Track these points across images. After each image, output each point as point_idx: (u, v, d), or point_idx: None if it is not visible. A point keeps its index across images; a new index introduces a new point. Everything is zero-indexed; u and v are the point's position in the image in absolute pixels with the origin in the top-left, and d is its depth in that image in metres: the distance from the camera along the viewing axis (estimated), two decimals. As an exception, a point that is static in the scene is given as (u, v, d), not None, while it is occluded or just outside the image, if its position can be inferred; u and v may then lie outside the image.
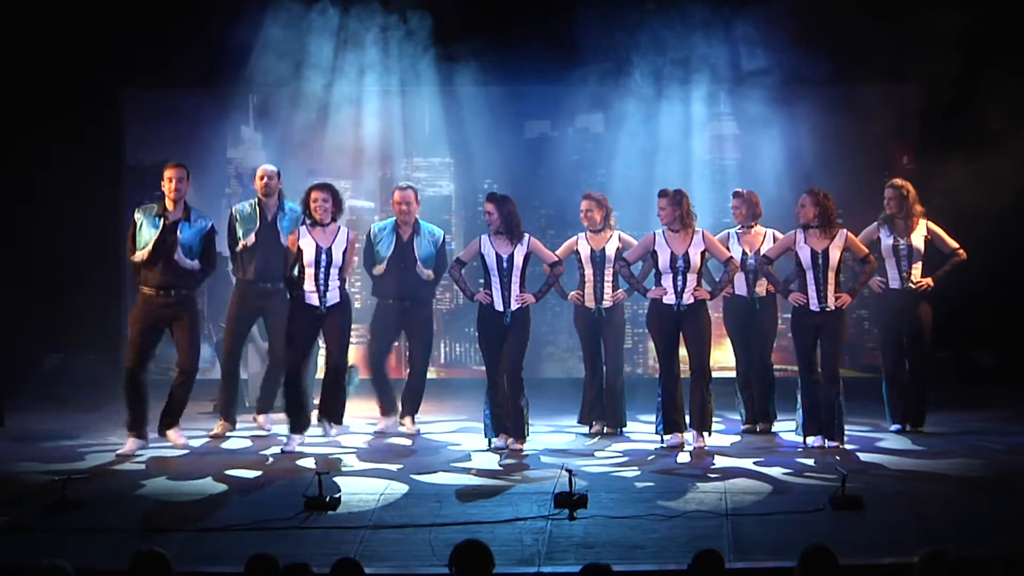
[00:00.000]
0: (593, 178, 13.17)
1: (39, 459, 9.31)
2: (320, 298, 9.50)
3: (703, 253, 9.65)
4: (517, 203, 9.86)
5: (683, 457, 9.39)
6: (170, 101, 13.40)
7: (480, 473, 8.90)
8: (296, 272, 9.56)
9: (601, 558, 6.57)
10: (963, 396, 11.78)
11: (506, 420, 9.67)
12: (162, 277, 9.47)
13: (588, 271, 10.18)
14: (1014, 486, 8.35)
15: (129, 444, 9.47)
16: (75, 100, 12.91)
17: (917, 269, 10.18)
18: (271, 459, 9.43)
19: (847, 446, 9.56)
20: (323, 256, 9.48)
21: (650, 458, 9.38)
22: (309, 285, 9.51)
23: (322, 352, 10.01)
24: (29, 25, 12.59)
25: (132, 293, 10.30)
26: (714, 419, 9.83)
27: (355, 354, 11.40)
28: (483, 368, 10.00)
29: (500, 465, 9.18)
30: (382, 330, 10.53)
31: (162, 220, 9.50)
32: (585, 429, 10.29)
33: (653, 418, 9.82)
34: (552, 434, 10.31)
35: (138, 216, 9.61)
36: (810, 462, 9.11)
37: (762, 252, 10.01)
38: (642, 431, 10.26)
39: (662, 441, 9.71)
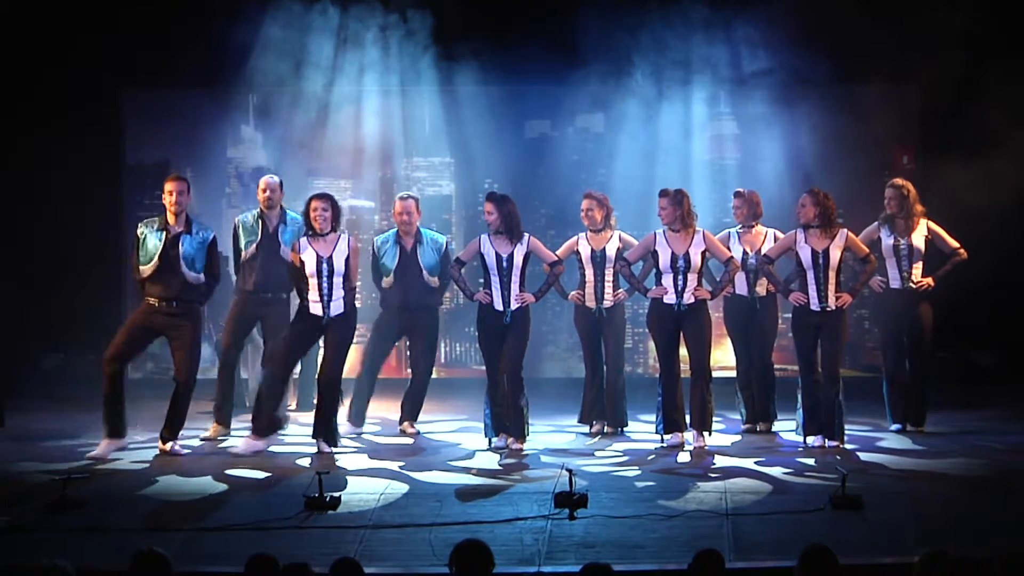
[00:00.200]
0: (593, 178, 13.17)
1: (39, 459, 9.31)
2: (324, 308, 9.49)
3: (704, 253, 9.65)
4: (517, 203, 9.86)
5: (683, 457, 9.39)
6: (170, 101, 13.40)
7: (480, 473, 8.90)
8: (301, 283, 9.54)
9: (601, 558, 6.56)
10: (963, 396, 11.78)
11: (506, 420, 9.67)
12: (166, 290, 9.47)
13: (588, 271, 10.18)
14: (1014, 486, 8.34)
15: (103, 445, 9.41)
16: (75, 100, 12.91)
17: (918, 269, 10.18)
18: (271, 458, 9.44)
19: (847, 446, 9.56)
20: (324, 265, 9.47)
21: (650, 458, 9.38)
22: (313, 295, 9.50)
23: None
24: (29, 25, 12.59)
25: (132, 293, 10.32)
26: (714, 419, 9.83)
27: (356, 356, 11.38)
28: (483, 368, 10.00)
29: (500, 465, 9.18)
30: (383, 336, 10.52)
31: (164, 233, 9.50)
32: (585, 429, 10.29)
33: (653, 418, 9.82)
34: (552, 434, 10.31)
35: (141, 230, 9.61)
36: (810, 462, 9.11)
37: (763, 252, 10.01)
38: (642, 431, 10.26)
39: (662, 441, 9.71)
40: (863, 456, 9.31)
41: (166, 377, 9.77)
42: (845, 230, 9.68)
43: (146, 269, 9.49)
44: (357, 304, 9.99)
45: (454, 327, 13.37)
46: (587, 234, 10.21)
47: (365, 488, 8.36)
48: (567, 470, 7.90)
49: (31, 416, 11.11)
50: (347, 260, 9.51)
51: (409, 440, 10.18)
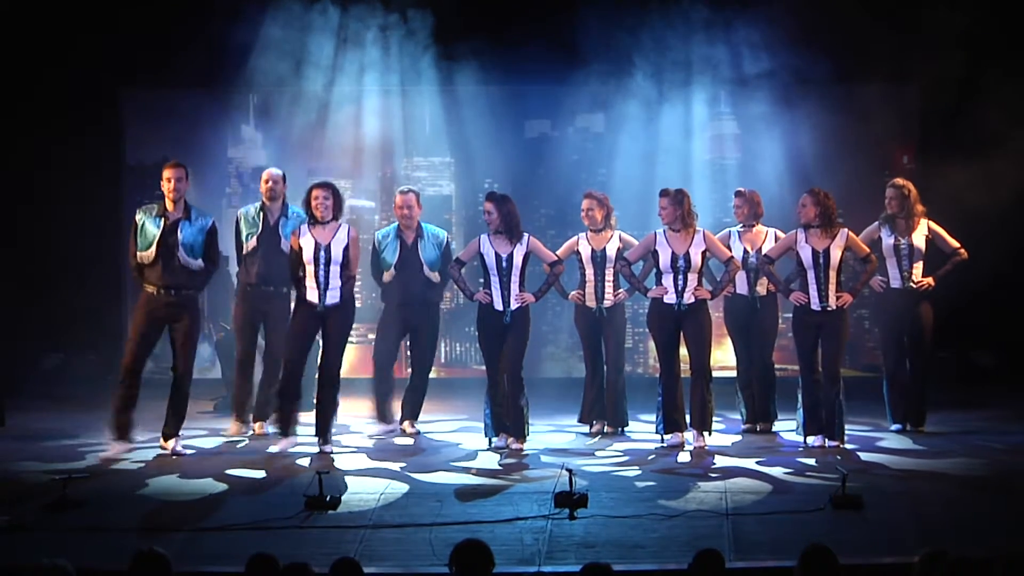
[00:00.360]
0: (593, 178, 13.18)
1: (39, 459, 9.30)
2: (320, 295, 9.48)
3: (704, 253, 9.65)
4: (517, 203, 9.86)
5: (683, 456, 9.39)
6: (170, 101, 13.41)
7: (480, 473, 8.89)
8: (299, 270, 9.54)
9: (601, 558, 6.56)
10: (963, 396, 11.78)
11: (506, 419, 9.67)
12: (165, 277, 9.46)
13: (589, 271, 10.18)
14: (1014, 486, 8.34)
15: (115, 448, 9.43)
16: (75, 100, 12.92)
17: (918, 269, 10.18)
18: (271, 458, 9.44)
19: (847, 446, 9.56)
20: (322, 253, 9.47)
21: (650, 457, 9.38)
22: (309, 282, 9.49)
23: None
24: (29, 25, 12.59)
25: (132, 293, 10.32)
26: (714, 419, 9.82)
27: (357, 355, 11.42)
28: (483, 368, 10.00)
29: (500, 465, 9.18)
30: (388, 335, 10.49)
31: (163, 220, 9.50)
32: (585, 428, 10.29)
33: (653, 418, 9.82)
34: (552, 434, 10.31)
35: (139, 217, 9.60)
36: (810, 462, 9.10)
37: (763, 251, 10.01)
38: (642, 430, 10.26)
39: (662, 440, 9.71)
40: (863, 456, 9.31)
41: (166, 377, 9.76)
42: (846, 230, 9.68)
43: (144, 256, 9.47)
44: (358, 304, 9.99)
45: (454, 327, 13.37)
46: (587, 234, 10.21)
47: (365, 488, 8.35)
48: (567, 470, 7.89)
49: (31, 416, 11.11)
50: (346, 249, 9.50)
51: (409, 440, 10.18)
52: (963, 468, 8.90)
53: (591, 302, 10.19)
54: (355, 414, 10.71)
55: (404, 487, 8.40)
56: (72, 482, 7.95)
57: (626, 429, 10.30)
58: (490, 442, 9.75)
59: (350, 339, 9.89)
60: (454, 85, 13.10)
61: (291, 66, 12.61)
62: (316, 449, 9.53)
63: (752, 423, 10.36)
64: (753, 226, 10.42)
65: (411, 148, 13.64)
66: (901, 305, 10.18)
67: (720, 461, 9.19)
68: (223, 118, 13.51)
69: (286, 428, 9.64)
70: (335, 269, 9.48)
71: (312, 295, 9.48)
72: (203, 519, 7.72)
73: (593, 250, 10.16)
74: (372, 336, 11.22)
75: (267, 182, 10.37)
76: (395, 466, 9.10)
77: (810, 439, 9.63)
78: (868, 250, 9.79)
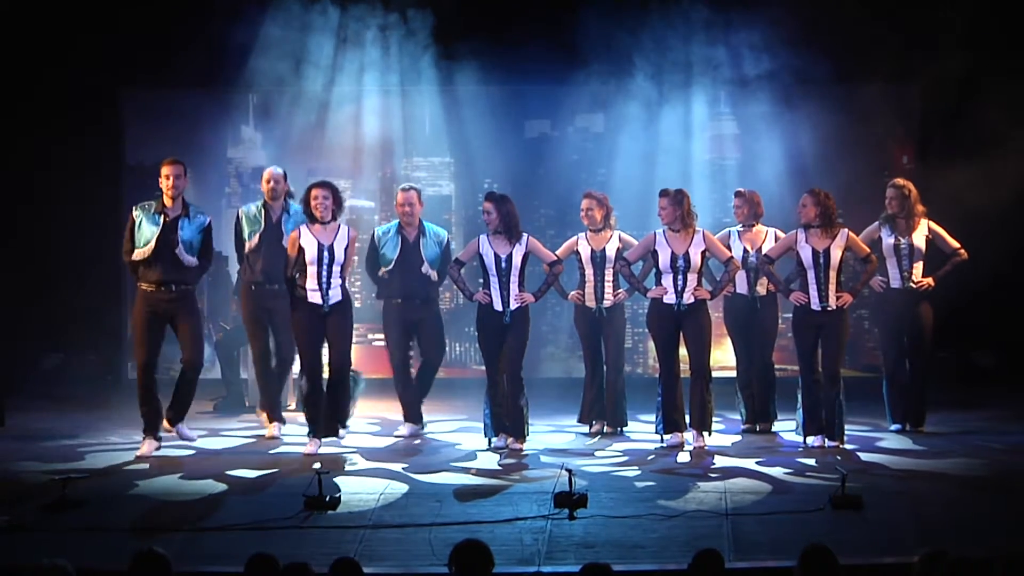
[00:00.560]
0: (593, 178, 13.17)
1: (39, 459, 9.31)
2: (323, 296, 9.47)
3: (704, 253, 9.65)
4: (517, 203, 9.85)
5: (683, 457, 9.39)
6: (170, 101, 13.41)
7: (480, 473, 8.89)
8: (297, 271, 9.52)
9: (601, 558, 6.56)
10: (963, 396, 11.77)
11: (506, 420, 9.67)
12: (163, 274, 9.46)
13: (588, 271, 10.17)
14: (1014, 486, 8.34)
15: (146, 446, 9.47)
16: (75, 100, 12.91)
17: (918, 268, 10.18)
18: (271, 458, 9.45)
19: (847, 446, 9.56)
20: (325, 253, 9.46)
21: (650, 458, 9.38)
22: (311, 283, 9.48)
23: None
24: (29, 25, 12.58)
25: (132, 293, 10.30)
26: (714, 419, 9.82)
27: (356, 355, 11.37)
28: (483, 368, 10.00)
29: (500, 465, 9.18)
30: (397, 335, 10.41)
31: (162, 217, 9.49)
32: (585, 429, 10.29)
33: (653, 418, 9.82)
34: (552, 434, 10.31)
35: (136, 213, 9.59)
36: (810, 462, 9.10)
37: (764, 251, 10.01)
38: (642, 431, 10.26)
39: (662, 441, 9.71)
40: (863, 456, 9.31)
41: (167, 377, 9.77)
42: (846, 230, 9.68)
43: (142, 252, 9.46)
44: (356, 304, 9.99)
45: (454, 327, 13.36)
46: (587, 234, 10.21)
47: (365, 488, 8.35)
48: (567, 470, 7.89)
49: (31, 416, 11.11)
50: (347, 249, 9.51)
51: (409, 440, 10.17)
52: (963, 468, 8.90)
53: (591, 302, 10.18)
54: (355, 415, 10.68)
55: (404, 487, 8.40)
56: (72, 482, 7.95)
57: (626, 429, 10.30)
58: (490, 442, 9.75)
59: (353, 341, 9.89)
60: (454, 85, 13.09)
61: (291, 66, 12.61)
62: (337, 438, 9.59)
63: (752, 423, 10.36)
64: (753, 226, 10.42)
65: (411, 148, 13.63)
66: (901, 305, 10.18)
67: (720, 461, 9.19)
68: (223, 118, 13.51)
69: (318, 431, 9.59)
70: (336, 269, 9.48)
71: (315, 296, 9.47)
72: (203, 519, 7.72)
73: (593, 250, 10.15)
74: (372, 336, 11.22)
75: (269, 182, 10.36)
76: (395, 466, 9.10)
77: (810, 439, 9.63)
78: (868, 250, 9.79)
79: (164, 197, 9.53)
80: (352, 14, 12.61)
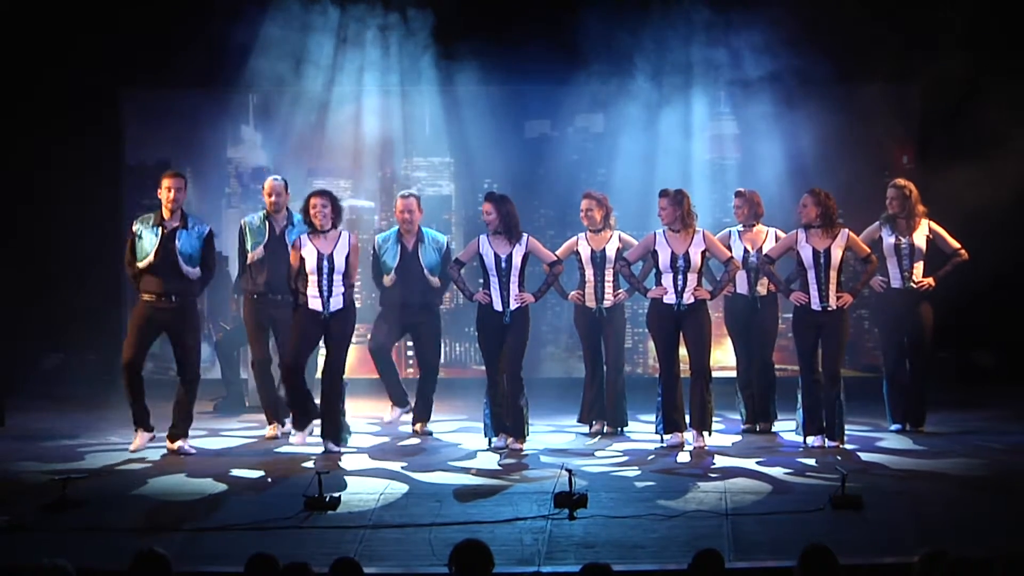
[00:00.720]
0: (593, 178, 13.17)
1: (39, 459, 9.31)
2: (323, 303, 9.48)
3: (703, 253, 9.65)
4: (517, 203, 9.85)
5: (683, 457, 9.39)
6: (170, 101, 13.40)
7: (480, 473, 8.89)
8: (299, 281, 9.52)
9: (601, 558, 6.56)
10: (963, 396, 11.77)
11: (506, 420, 9.67)
12: (163, 285, 9.46)
13: (588, 271, 10.17)
14: (1014, 486, 8.34)
15: (139, 439, 9.51)
16: (75, 100, 12.91)
17: (919, 268, 10.17)
18: (274, 455, 9.45)
19: (847, 446, 9.56)
20: (325, 262, 9.46)
21: (650, 458, 9.38)
22: (312, 291, 9.49)
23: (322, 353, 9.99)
24: (29, 25, 12.58)
25: (132, 293, 10.31)
26: (714, 419, 9.82)
27: (354, 355, 11.36)
28: (483, 368, 10.00)
29: (500, 465, 9.18)
30: (387, 326, 10.48)
31: (160, 229, 9.49)
32: (585, 428, 10.29)
33: (653, 418, 9.82)
34: (552, 434, 10.31)
35: (136, 227, 9.59)
36: (810, 462, 9.10)
37: (764, 251, 10.01)
38: (642, 431, 10.26)
39: (662, 441, 9.71)
40: (863, 456, 9.31)
41: (166, 377, 9.79)
42: (846, 230, 9.68)
43: (143, 265, 9.47)
44: (357, 304, 9.99)
45: (454, 327, 13.36)
46: (587, 234, 10.21)
47: (365, 488, 8.35)
48: (567, 470, 7.89)
49: (31, 416, 11.11)
50: (347, 257, 9.51)
51: (409, 440, 10.17)
52: (963, 468, 8.90)
53: (591, 302, 10.18)
54: (355, 415, 10.68)
55: (404, 487, 8.40)
56: (72, 482, 7.95)
57: (626, 429, 10.30)
58: (490, 442, 9.75)
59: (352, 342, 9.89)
60: (454, 85, 13.09)
61: (291, 66, 12.61)
62: (318, 450, 9.54)
63: (752, 423, 10.36)
64: (753, 226, 10.41)
65: (411, 148, 13.63)
66: (901, 305, 10.18)
67: (720, 461, 9.19)
68: (223, 118, 13.50)
69: (302, 424, 9.69)
70: (338, 278, 9.49)
71: (315, 304, 9.48)
72: (203, 519, 7.73)
73: (592, 250, 10.15)
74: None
75: (270, 195, 10.31)
76: (395, 466, 9.10)
77: (810, 439, 9.63)
78: (868, 250, 9.79)
79: (163, 209, 9.52)
80: (352, 14, 12.61)
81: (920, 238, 10.17)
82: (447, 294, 11.31)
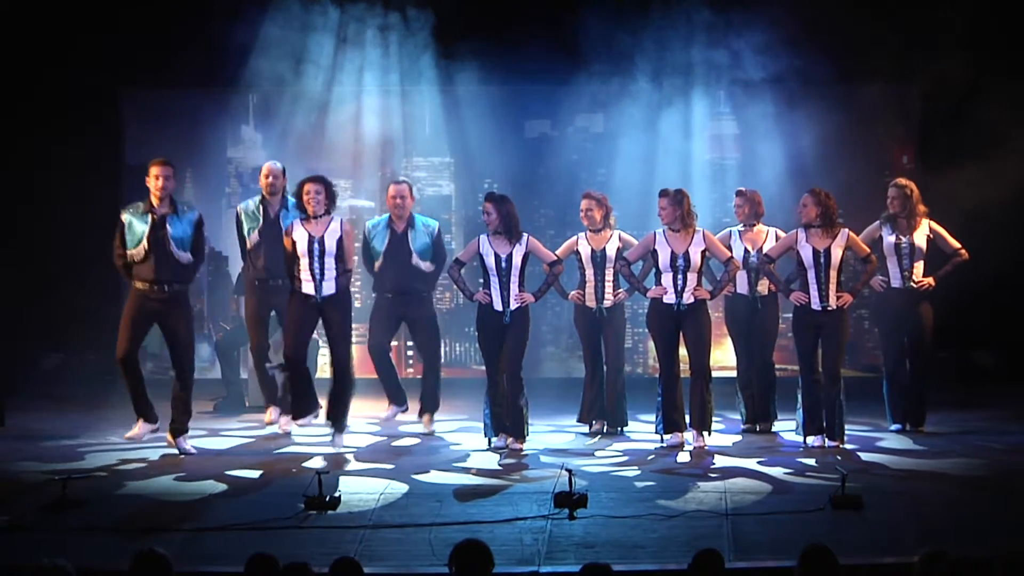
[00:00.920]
0: (593, 178, 13.17)
1: (39, 459, 9.31)
2: (316, 287, 9.50)
3: (703, 252, 9.65)
4: (517, 203, 9.85)
5: (683, 457, 9.39)
6: (170, 101, 13.40)
7: (480, 473, 8.90)
8: (294, 265, 9.54)
9: (601, 558, 6.56)
10: (963, 396, 11.77)
11: (506, 419, 9.67)
12: (156, 272, 9.45)
13: (589, 271, 10.17)
14: (1014, 486, 8.34)
15: (138, 428, 9.54)
16: (75, 100, 12.91)
17: (919, 268, 10.17)
18: (275, 450, 9.46)
19: (847, 446, 9.56)
20: (315, 245, 9.48)
21: (650, 458, 9.38)
22: (305, 275, 9.52)
23: (324, 352, 10.00)
24: (29, 25, 12.58)
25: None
26: (714, 419, 9.83)
27: (355, 355, 11.36)
28: (483, 368, 10.00)
29: (500, 465, 9.18)
30: (381, 321, 10.45)
31: (150, 216, 9.48)
32: (585, 428, 10.29)
33: (653, 418, 9.82)
34: (552, 434, 10.31)
35: (125, 216, 9.56)
36: (810, 462, 9.10)
37: (764, 251, 10.01)
38: (642, 431, 10.26)
39: (662, 441, 9.71)
40: (863, 456, 9.31)
41: (166, 377, 9.77)
42: (846, 230, 9.68)
43: (134, 252, 9.44)
44: (356, 304, 10.00)
45: (454, 327, 13.37)
46: (587, 234, 10.21)
47: (365, 488, 8.35)
48: (567, 470, 7.89)
49: (31, 416, 11.10)
50: (339, 241, 9.51)
51: (409, 440, 10.17)
52: (963, 468, 8.90)
53: (591, 302, 10.18)
54: (355, 415, 10.67)
55: (404, 487, 8.40)
56: (72, 482, 7.95)
57: (625, 429, 10.30)
58: (490, 442, 9.75)
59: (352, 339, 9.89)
60: (454, 85, 13.09)
61: (291, 66, 12.62)
62: (328, 438, 9.62)
63: (752, 423, 10.36)
64: (754, 226, 10.41)
65: (411, 148, 13.63)
66: (901, 305, 10.18)
67: (720, 461, 9.19)
68: (223, 118, 13.51)
69: (303, 411, 9.69)
70: (329, 261, 9.50)
71: (308, 287, 9.51)
72: (203, 519, 7.73)
73: (593, 250, 10.15)
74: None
75: (267, 176, 10.37)
76: (395, 466, 9.09)
77: (810, 439, 9.63)
78: (868, 250, 9.80)
79: (152, 197, 9.51)
80: (352, 14, 12.62)
81: (920, 238, 10.17)
82: (447, 293, 11.32)
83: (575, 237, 10.31)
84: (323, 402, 9.81)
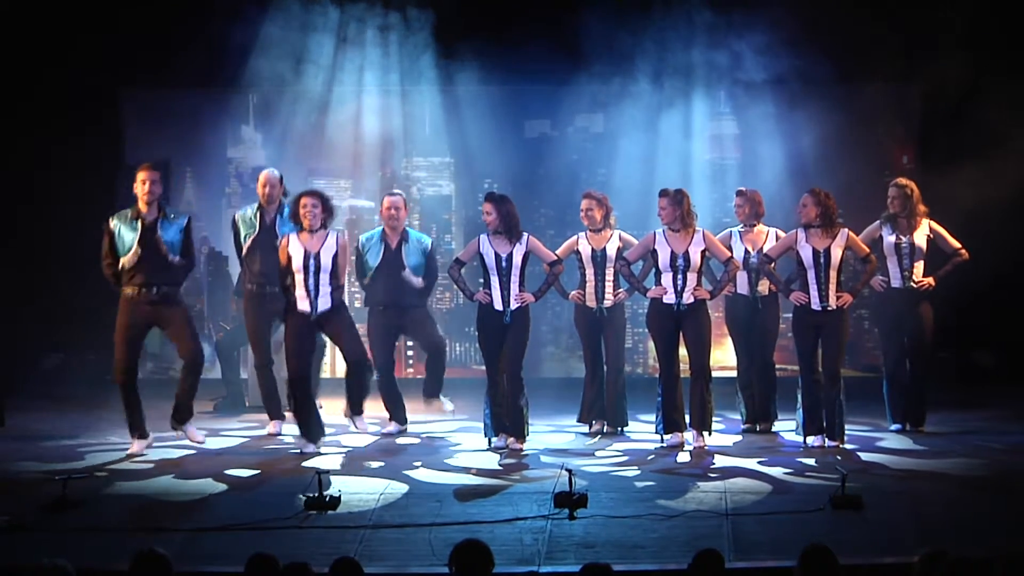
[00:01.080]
0: (593, 178, 13.17)
1: (39, 459, 9.31)
2: (311, 304, 9.45)
3: (703, 252, 9.65)
4: (517, 203, 9.85)
5: (683, 457, 9.39)
6: (170, 101, 13.40)
7: (480, 473, 8.89)
8: (289, 279, 9.52)
9: (601, 558, 6.56)
10: (963, 396, 11.77)
11: (506, 419, 9.67)
12: (148, 276, 9.42)
13: (589, 271, 10.17)
14: (1014, 486, 8.34)
15: (136, 445, 9.51)
16: (75, 100, 12.90)
17: (919, 268, 10.17)
18: (271, 458, 9.45)
19: (847, 446, 9.55)
20: (311, 261, 9.44)
21: (650, 458, 9.38)
22: (299, 291, 9.46)
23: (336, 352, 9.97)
24: (29, 25, 12.58)
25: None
26: (714, 419, 9.82)
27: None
28: (483, 368, 9.99)
29: (500, 465, 9.18)
30: (379, 338, 10.41)
31: (140, 222, 9.46)
32: (585, 428, 10.29)
33: (653, 418, 9.82)
34: (552, 434, 10.31)
35: (113, 223, 9.51)
36: (810, 462, 9.10)
37: (764, 251, 10.01)
38: (642, 431, 10.26)
39: (662, 441, 9.71)
40: (863, 456, 9.31)
41: (166, 377, 9.78)
42: (846, 230, 9.68)
43: (126, 260, 9.42)
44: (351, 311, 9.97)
45: (454, 327, 13.37)
46: (587, 234, 10.21)
47: (365, 488, 8.35)
48: (567, 470, 7.89)
49: (31, 416, 11.10)
50: (335, 257, 9.48)
51: (409, 440, 10.17)
52: (963, 468, 8.90)
53: (591, 302, 10.18)
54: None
55: (404, 487, 8.40)
56: (72, 482, 7.94)
57: (626, 429, 10.29)
58: (490, 442, 9.75)
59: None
60: (454, 85, 13.09)
61: (291, 66, 12.62)
62: (348, 423, 9.76)
63: (752, 423, 10.36)
64: (754, 226, 10.41)
65: (411, 148, 13.63)
66: (901, 305, 10.18)
67: (720, 461, 9.18)
68: (223, 118, 13.51)
69: (311, 436, 9.59)
70: (324, 277, 9.45)
71: (303, 304, 9.46)
72: (203, 519, 7.73)
73: (593, 250, 10.15)
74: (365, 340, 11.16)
75: (264, 186, 10.33)
76: (395, 466, 9.09)
77: (810, 439, 9.63)
78: (868, 250, 9.80)
79: (139, 203, 9.49)
80: (352, 14, 12.62)
81: (920, 238, 10.17)
82: (447, 293, 11.31)
83: (575, 237, 10.31)
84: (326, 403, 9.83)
